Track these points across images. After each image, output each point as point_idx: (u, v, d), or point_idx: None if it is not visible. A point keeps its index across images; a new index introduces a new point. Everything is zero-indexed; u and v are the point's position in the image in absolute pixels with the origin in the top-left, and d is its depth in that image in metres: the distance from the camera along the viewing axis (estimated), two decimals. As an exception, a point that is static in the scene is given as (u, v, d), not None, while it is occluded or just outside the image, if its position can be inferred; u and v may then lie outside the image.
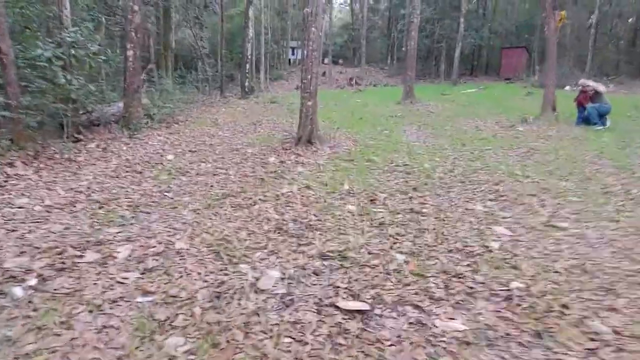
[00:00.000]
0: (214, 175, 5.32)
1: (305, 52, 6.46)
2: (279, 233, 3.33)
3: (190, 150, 6.88)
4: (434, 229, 3.39)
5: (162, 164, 5.98)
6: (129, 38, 8.42)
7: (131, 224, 3.59)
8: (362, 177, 5.08)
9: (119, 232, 3.36)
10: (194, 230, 3.42)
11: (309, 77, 6.43)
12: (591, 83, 9.32)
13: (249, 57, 17.64)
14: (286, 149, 6.49)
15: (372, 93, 20.76)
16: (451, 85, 24.62)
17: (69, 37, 5.95)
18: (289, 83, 32.88)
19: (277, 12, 38.30)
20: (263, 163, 5.86)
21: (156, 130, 8.85)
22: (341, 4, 53.71)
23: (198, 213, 3.86)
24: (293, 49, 45.84)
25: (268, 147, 6.91)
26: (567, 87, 20.46)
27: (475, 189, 4.60)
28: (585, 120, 9.44)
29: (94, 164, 5.85)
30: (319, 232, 3.33)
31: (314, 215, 3.75)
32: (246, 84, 17.69)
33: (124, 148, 7.01)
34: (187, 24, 18.86)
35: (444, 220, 3.62)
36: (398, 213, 3.79)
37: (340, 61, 45.92)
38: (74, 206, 4.04)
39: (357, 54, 48.41)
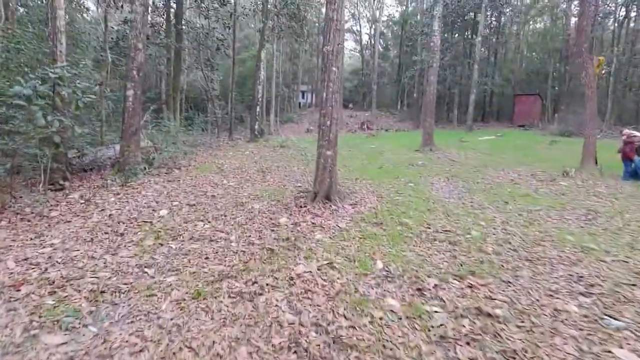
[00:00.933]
0: (212, 241, 4.27)
1: (324, 94, 5.59)
2: (295, 353, 2.24)
3: (188, 204, 5.89)
4: (525, 351, 2.28)
5: (151, 222, 4.97)
6: (130, 77, 7.71)
7: (85, 326, 2.52)
8: (397, 249, 4.00)
9: (61, 345, 2.28)
10: (170, 342, 2.33)
11: (328, 122, 5.53)
12: (638, 133, 8.35)
13: (260, 99, 17.09)
14: (300, 207, 5.47)
15: (386, 138, 20.02)
16: (466, 132, 23.88)
17: (53, 72, 5.15)
18: (298, 126, 32.54)
19: (289, 56, 38.75)
20: (273, 225, 4.81)
21: (154, 177, 7.94)
22: (352, 49, 54.70)
23: (182, 308, 2.79)
24: (303, 92, 46.26)
25: (278, 202, 5.90)
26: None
27: (550, 272, 3.49)
28: (633, 174, 8.39)
29: (69, 221, 4.86)
30: (355, 355, 2.22)
31: (344, 316, 2.66)
32: (256, 126, 17.04)
33: (112, 199, 6.04)
34: (199, 66, 18.53)
35: (532, 332, 2.50)
36: (462, 316, 2.68)
37: (351, 105, 46.01)
38: (18, 289, 3.00)
39: (366, 99, 48.69)
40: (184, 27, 17.16)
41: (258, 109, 17.04)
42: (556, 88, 34.71)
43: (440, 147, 13.81)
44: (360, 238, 4.33)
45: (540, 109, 31.15)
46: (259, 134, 17.09)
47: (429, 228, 4.78)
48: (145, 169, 8.00)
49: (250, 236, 4.41)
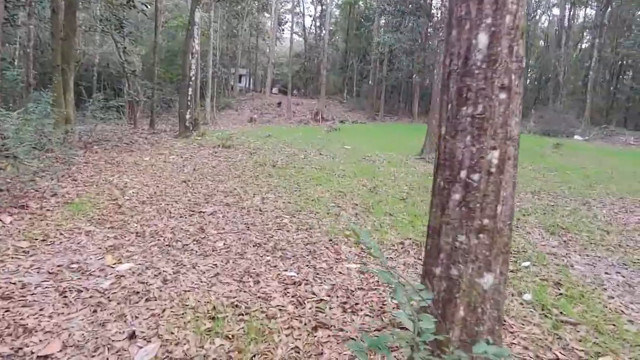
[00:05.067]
0: None
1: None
2: None
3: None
4: None
5: None
6: None
7: None
8: None
9: None
10: None
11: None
12: None
13: (193, 77, 12.33)
14: None
15: (353, 134, 16.18)
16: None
17: None
18: (238, 114, 27.71)
19: (226, 33, 33.46)
20: None
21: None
22: (295, 32, 50.15)
23: None
24: (240, 76, 41.04)
25: None
26: (578, 137, 17.49)
27: None
28: None
29: None
30: None
31: None
32: (187, 115, 12.29)
33: None
34: (103, 26, 13.14)
35: None
36: None
37: (295, 92, 41.83)
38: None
39: (310, 86, 44.72)
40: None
41: (190, 92, 12.27)
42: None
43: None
44: None
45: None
46: (191, 126, 12.38)
47: None
48: None
49: None
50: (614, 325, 3.00)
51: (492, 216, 1.51)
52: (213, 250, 3.95)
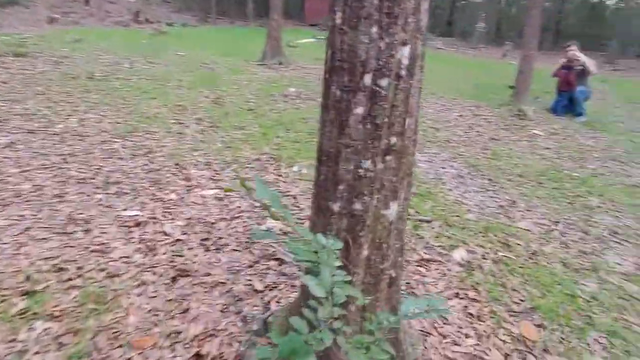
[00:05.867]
0: None
1: None
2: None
3: None
4: None
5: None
6: None
7: None
8: None
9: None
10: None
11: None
12: (582, 57, 6.64)
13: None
14: None
15: (185, 37, 14.26)
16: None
17: None
18: (30, 12, 21.57)
19: None
20: None
21: None
22: None
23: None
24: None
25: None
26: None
27: None
28: (567, 107, 6.85)
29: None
30: None
31: None
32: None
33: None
34: None
35: None
36: None
37: (104, -16, 34.38)
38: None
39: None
40: None
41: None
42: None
43: (293, 57, 9.89)
44: None
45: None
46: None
47: None
48: None
49: None
50: (458, 216, 3.31)
51: (400, 133, 1.20)
52: (17, 196, 2.94)
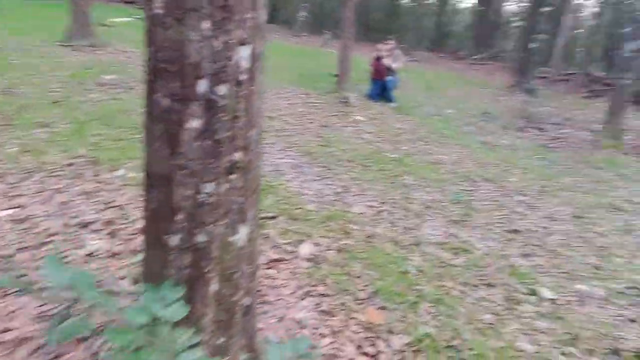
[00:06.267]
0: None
1: None
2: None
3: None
4: None
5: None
6: None
7: None
8: None
9: None
10: None
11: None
12: (394, 53, 7.52)
13: None
14: None
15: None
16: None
17: None
18: None
19: None
20: None
21: None
22: None
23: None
24: None
25: None
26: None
27: None
28: (380, 94, 7.73)
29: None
30: None
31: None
32: None
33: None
34: None
35: None
36: None
37: None
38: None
39: None
40: None
41: None
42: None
43: (107, 39, 8.48)
44: None
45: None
46: None
47: None
48: None
49: None
50: (301, 208, 3.34)
51: (244, 147, 1.03)
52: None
